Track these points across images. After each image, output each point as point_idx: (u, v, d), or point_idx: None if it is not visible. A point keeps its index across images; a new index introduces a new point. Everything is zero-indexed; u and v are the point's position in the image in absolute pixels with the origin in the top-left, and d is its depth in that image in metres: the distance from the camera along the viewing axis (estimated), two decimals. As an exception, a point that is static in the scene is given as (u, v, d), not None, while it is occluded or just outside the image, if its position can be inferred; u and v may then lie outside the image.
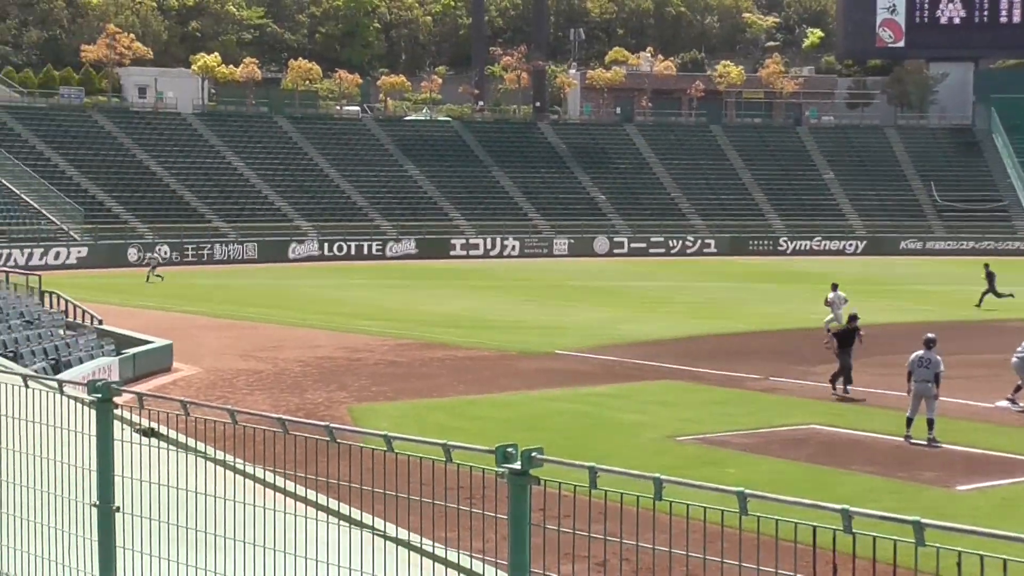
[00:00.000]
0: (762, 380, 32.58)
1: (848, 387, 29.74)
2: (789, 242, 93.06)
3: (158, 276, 63.33)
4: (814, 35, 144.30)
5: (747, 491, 5.14)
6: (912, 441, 23.92)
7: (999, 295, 51.54)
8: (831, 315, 40.27)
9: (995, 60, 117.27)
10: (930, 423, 23.90)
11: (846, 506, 4.97)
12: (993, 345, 35.78)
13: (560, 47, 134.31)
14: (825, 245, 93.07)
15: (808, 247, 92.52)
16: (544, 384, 31.65)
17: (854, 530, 4.98)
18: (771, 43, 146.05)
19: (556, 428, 25.11)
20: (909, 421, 24.18)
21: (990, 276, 52.22)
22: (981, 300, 51.45)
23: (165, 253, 77.22)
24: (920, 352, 24.62)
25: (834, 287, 41.51)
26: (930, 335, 25.44)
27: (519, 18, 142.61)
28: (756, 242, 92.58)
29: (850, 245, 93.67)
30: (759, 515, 5.21)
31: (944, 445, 23.73)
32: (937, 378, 24.09)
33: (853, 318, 31.10)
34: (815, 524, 5.20)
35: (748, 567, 5.38)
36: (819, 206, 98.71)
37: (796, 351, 38.21)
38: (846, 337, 30.16)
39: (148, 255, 69.57)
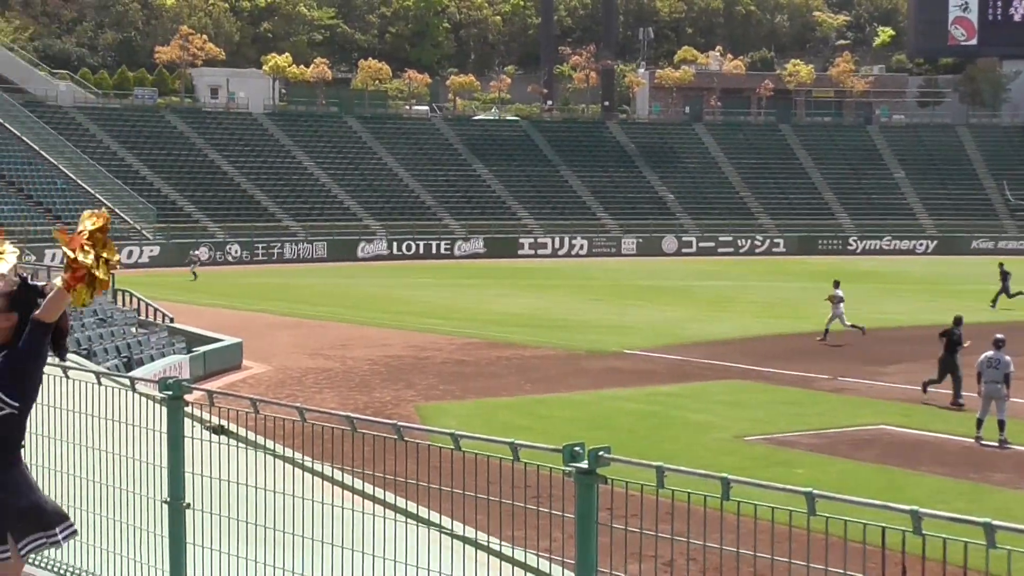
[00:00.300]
0: (830, 380, 32.35)
1: (929, 390, 29.04)
2: (858, 241, 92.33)
3: (193, 274, 63.87)
4: (885, 33, 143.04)
5: (815, 491, 5.12)
6: (983, 443, 23.68)
7: (1011, 295, 50.89)
8: (832, 314, 40.55)
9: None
10: (1001, 424, 23.65)
11: (915, 507, 4.93)
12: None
13: (629, 46, 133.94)
14: (895, 244, 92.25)
15: (878, 246, 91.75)
16: (611, 383, 31.59)
17: (924, 532, 4.95)
18: (841, 41, 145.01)
19: (623, 427, 25.07)
20: (979, 422, 23.95)
21: (1005, 275, 51.66)
22: (995, 301, 50.70)
23: (236, 252, 77.84)
24: (989, 353, 24.37)
25: (836, 284, 41.54)
26: (999, 336, 25.18)
27: (588, 17, 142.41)
28: (825, 241, 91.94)
29: (920, 244, 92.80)
30: (827, 515, 5.18)
31: (1015, 446, 23.48)
32: (1007, 379, 23.84)
33: (958, 321, 29.75)
34: (884, 525, 5.17)
35: (816, 568, 5.35)
36: (889, 205, 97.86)
37: (865, 351, 37.92)
38: (951, 340, 28.96)
39: (192, 253, 70.18)
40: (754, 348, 38.77)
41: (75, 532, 6.33)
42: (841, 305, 40.83)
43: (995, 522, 4.85)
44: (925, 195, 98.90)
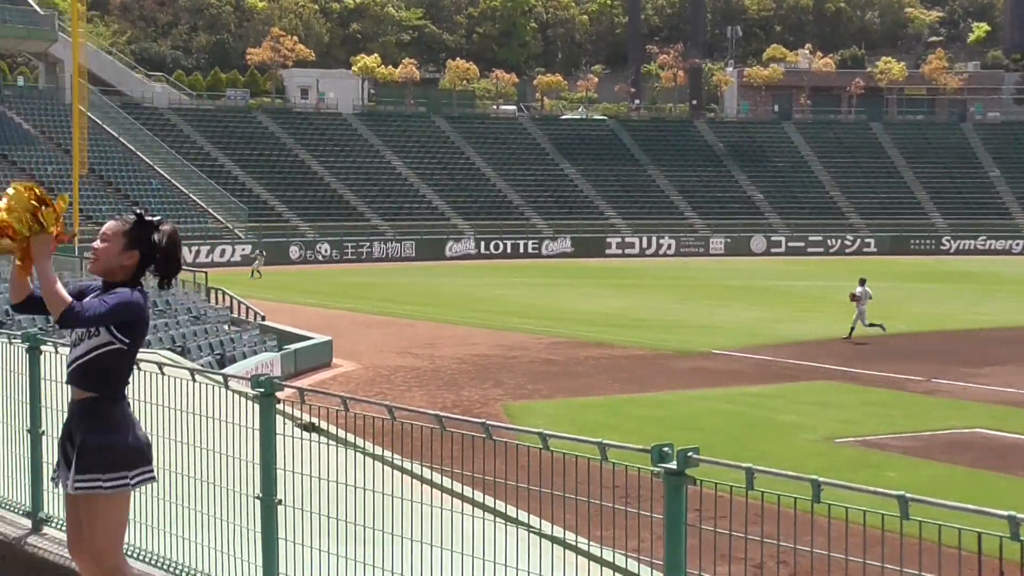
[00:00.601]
0: (923, 382, 31.98)
1: None
2: (952, 241, 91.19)
3: (258, 272, 64.33)
4: (980, 29, 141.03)
5: (908, 495, 5.06)
6: None
7: None
8: (857, 312, 40.17)
9: None
10: None
11: (1013, 512, 4.86)
12: None
13: (717, 44, 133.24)
14: (990, 244, 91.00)
15: (972, 246, 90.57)
16: (700, 384, 31.46)
17: (1022, 538, 4.88)
18: (934, 38, 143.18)
19: (712, 428, 24.95)
20: None
21: None
22: None
23: (326, 251, 78.43)
24: None
25: (862, 282, 41.13)
26: None
27: (676, 16, 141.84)
28: (917, 241, 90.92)
29: (1016, 244, 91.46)
30: (920, 519, 5.12)
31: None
32: None
33: None
34: (980, 530, 5.10)
35: (909, 572, 5.29)
36: (984, 204, 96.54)
37: (959, 352, 37.46)
38: None
39: (256, 251, 70.74)
40: (844, 349, 38.43)
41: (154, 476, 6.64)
42: (865, 303, 40.44)
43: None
44: (1021, 194, 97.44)
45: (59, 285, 6.21)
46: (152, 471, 6.56)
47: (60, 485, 6.61)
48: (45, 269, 6.25)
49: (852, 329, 40.31)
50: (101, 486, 6.35)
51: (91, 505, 6.42)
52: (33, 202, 6.25)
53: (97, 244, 6.53)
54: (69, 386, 6.57)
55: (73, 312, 6.19)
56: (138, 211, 6.65)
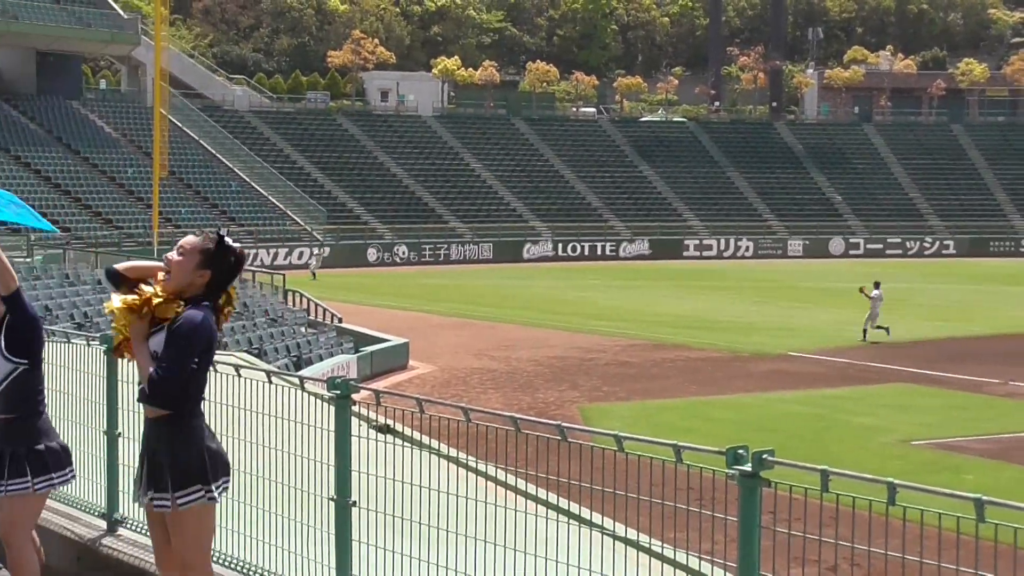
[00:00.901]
0: (1002, 385, 31.63)
1: None
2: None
3: (312, 274, 64.53)
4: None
5: (985, 498, 5.02)
6: None
7: None
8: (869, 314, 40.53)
9: None
10: None
11: (1090, 517, 4.81)
12: None
13: (798, 46, 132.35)
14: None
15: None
16: (776, 386, 31.30)
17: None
18: (1017, 39, 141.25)
19: (788, 430, 24.82)
20: None
21: None
22: None
23: (403, 253, 78.77)
24: None
25: (876, 285, 41.30)
26: None
27: (756, 18, 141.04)
28: (997, 243, 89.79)
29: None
30: (997, 523, 5.07)
31: None
32: None
33: None
34: (1057, 535, 5.04)
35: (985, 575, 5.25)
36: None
37: (1041, 356, 36.99)
38: None
39: (312, 252, 71.13)
40: (922, 351, 38.08)
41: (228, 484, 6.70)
42: (878, 305, 40.06)
43: None
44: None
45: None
46: (227, 481, 6.63)
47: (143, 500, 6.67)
48: (140, 351, 6.42)
49: (865, 331, 40.21)
50: (180, 501, 6.42)
51: (177, 520, 6.51)
52: (134, 314, 6.42)
53: (172, 255, 6.51)
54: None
55: (154, 386, 6.30)
56: (222, 232, 6.62)
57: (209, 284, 6.46)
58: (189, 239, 6.53)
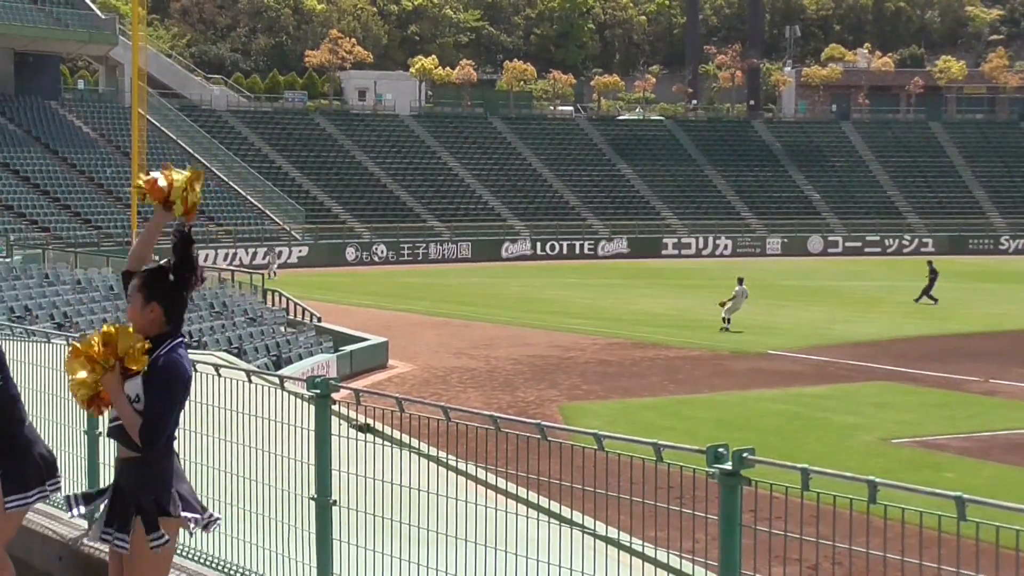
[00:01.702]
0: (982, 382, 31.72)
1: None
2: (1011, 241, 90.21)
3: (272, 274, 64.19)
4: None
5: (966, 496, 5.02)
6: None
7: (929, 296, 51.25)
8: (730, 303, 42.21)
9: None
10: None
11: (1070, 514, 4.82)
12: None
13: (775, 45, 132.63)
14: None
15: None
16: (756, 384, 31.35)
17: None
18: (995, 36, 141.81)
19: (768, 429, 24.85)
20: None
21: (933, 274, 51.98)
22: (922, 296, 51.56)
23: (382, 252, 78.67)
24: None
25: (740, 281, 42.97)
26: None
27: (734, 16, 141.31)
28: (976, 241, 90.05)
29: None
30: (978, 521, 5.08)
31: None
32: None
33: None
34: (1037, 532, 5.05)
35: (965, 574, 5.25)
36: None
37: (1019, 353, 37.13)
38: None
39: (268, 253, 70.92)
40: (902, 349, 38.19)
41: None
42: (741, 300, 42.16)
43: None
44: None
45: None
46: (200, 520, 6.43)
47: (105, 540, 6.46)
48: (120, 402, 6.22)
49: (725, 319, 42.32)
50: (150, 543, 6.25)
51: (137, 559, 6.34)
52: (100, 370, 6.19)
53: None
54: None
55: (145, 440, 6.17)
56: (157, 260, 6.43)
57: (168, 316, 6.31)
58: (132, 283, 6.39)
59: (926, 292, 52.16)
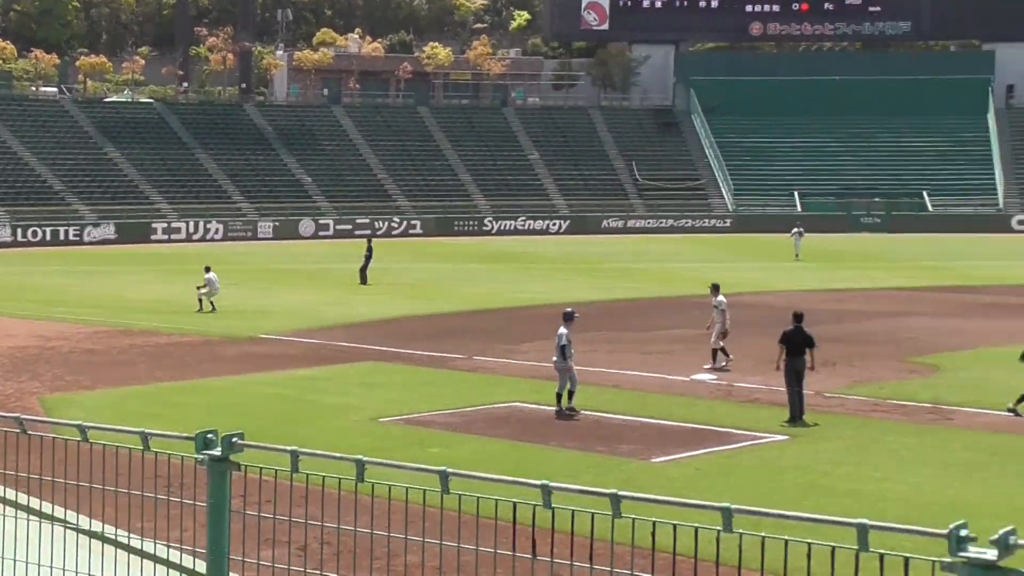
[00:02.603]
0: (467, 359, 32.94)
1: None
2: (494, 222, 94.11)
3: None
4: (521, 17, 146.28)
5: (449, 470, 5.17)
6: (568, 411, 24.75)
7: (362, 274, 53.47)
8: (206, 289, 43.82)
9: (695, 44, 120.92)
10: (570, 394, 24.70)
11: (546, 481, 5.04)
12: (692, 320, 36.95)
13: (267, 28, 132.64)
14: (529, 224, 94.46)
15: (513, 227, 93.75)
16: (247, 369, 31.28)
17: (553, 505, 5.06)
18: (479, 24, 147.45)
19: (259, 413, 24.81)
20: (559, 396, 24.91)
21: (369, 252, 54.27)
22: (363, 278, 53.38)
23: None
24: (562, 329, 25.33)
25: (207, 269, 44.55)
26: (568, 310, 26.19)
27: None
28: (462, 223, 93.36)
29: (554, 224, 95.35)
30: (461, 493, 5.23)
31: (639, 418, 24.46)
32: (562, 352, 24.79)
33: (799, 317, 25.14)
34: (516, 500, 5.26)
35: (449, 545, 5.41)
36: (524, 186, 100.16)
37: (502, 330, 38.79)
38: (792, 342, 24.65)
39: None
40: (393, 330, 39.09)
41: None
42: (215, 285, 43.84)
43: (620, 493, 5.01)
44: (558, 176, 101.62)
45: None
46: None
47: None
48: None
49: (209, 304, 43.31)
50: None
51: None
52: None
53: None
54: None
55: None
56: None
57: None
58: None
59: (362, 271, 53.08)
